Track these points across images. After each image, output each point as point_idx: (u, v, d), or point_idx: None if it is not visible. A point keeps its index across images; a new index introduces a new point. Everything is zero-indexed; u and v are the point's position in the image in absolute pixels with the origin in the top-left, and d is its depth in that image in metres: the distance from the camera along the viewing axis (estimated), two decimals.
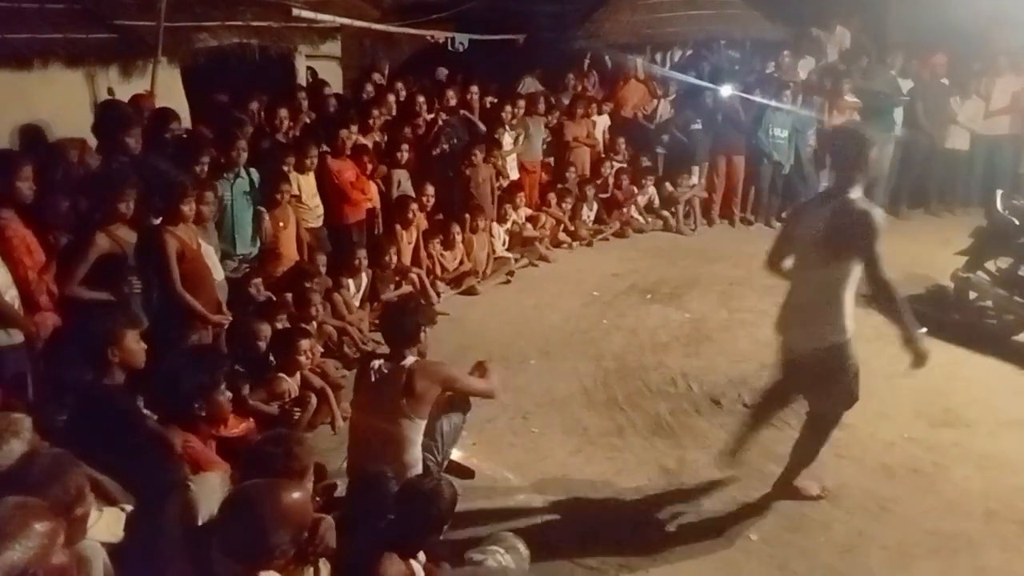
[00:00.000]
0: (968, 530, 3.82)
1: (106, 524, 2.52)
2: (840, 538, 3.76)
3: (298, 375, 4.59)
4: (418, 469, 3.50)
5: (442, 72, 8.96)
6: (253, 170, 5.37)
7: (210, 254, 4.54)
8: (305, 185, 5.91)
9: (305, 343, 4.62)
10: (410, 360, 3.56)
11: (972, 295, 6.12)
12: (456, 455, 4.15)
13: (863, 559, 3.62)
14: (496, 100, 8.32)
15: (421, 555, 2.93)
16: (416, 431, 3.50)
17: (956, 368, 5.48)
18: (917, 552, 3.66)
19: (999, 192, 6.08)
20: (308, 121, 6.65)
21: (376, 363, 3.63)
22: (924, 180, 9.41)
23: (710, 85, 8.93)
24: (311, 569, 2.51)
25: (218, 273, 4.62)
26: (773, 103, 8.64)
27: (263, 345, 4.54)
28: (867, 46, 9.71)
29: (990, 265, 6.06)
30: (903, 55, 9.16)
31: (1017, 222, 5.75)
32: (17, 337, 3.68)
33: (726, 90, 8.75)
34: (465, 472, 4.13)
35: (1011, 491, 4.10)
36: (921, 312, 6.22)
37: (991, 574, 3.53)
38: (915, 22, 10.42)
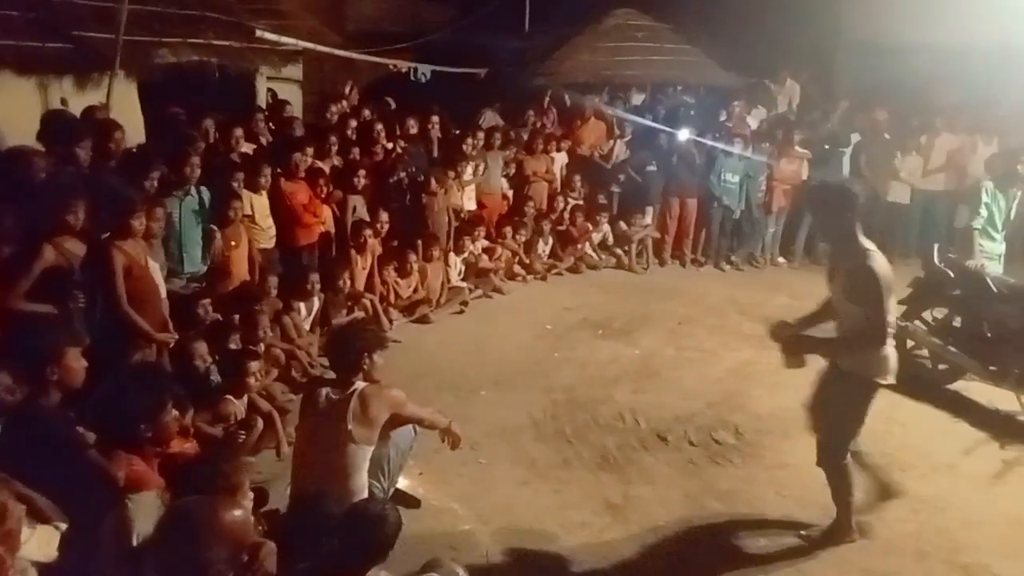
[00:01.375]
0: (901, 570, 3.91)
1: (38, 543, 2.43)
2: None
3: (245, 397, 4.52)
4: (363, 496, 3.46)
5: (390, 102, 8.98)
6: (204, 188, 5.30)
7: (155, 269, 4.46)
8: (258, 205, 5.87)
9: (255, 365, 4.56)
10: (359, 385, 3.54)
11: (909, 343, 6.33)
12: (403, 484, 4.12)
13: None
14: (457, 131, 8.40)
15: None
16: (362, 458, 3.46)
17: (892, 413, 5.62)
18: None
19: (936, 246, 6.32)
20: (264, 142, 6.62)
21: (323, 389, 3.59)
22: (867, 231, 9.69)
23: (665, 128, 9.17)
24: None
25: (161, 289, 4.53)
26: (725, 148, 8.90)
27: (200, 365, 4.45)
28: (815, 98, 10.09)
29: (927, 315, 6.28)
30: (849, 108, 9.53)
31: (952, 274, 5.98)
32: None
33: (681, 134, 9.01)
34: (411, 501, 4.09)
35: (941, 532, 4.21)
36: None
37: None
38: (861, 76, 10.91)
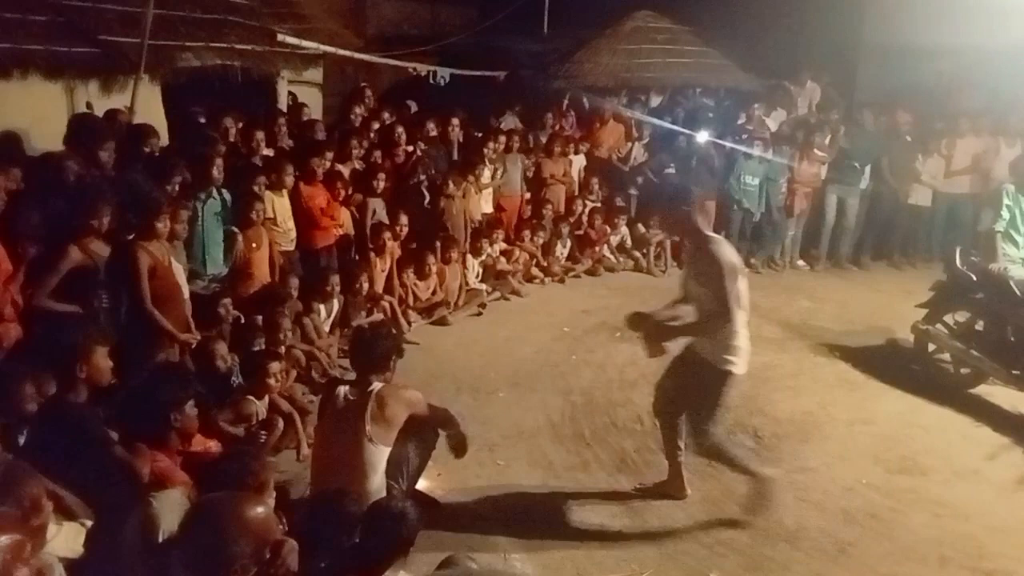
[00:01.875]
0: None
1: (65, 538, 2.48)
2: None
3: (266, 398, 4.56)
4: (382, 495, 3.48)
5: (411, 105, 9.02)
6: (225, 191, 5.37)
7: (179, 270, 4.52)
8: (280, 207, 5.93)
9: (275, 366, 4.60)
10: (377, 386, 3.56)
11: (931, 347, 6.28)
12: (421, 484, 4.14)
13: None
14: (478, 133, 8.42)
15: None
16: (380, 458, 3.49)
17: (914, 417, 5.60)
18: None
19: (958, 249, 6.27)
20: (285, 145, 6.68)
21: (342, 389, 3.63)
22: (888, 233, 9.68)
23: (684, 131, 9.14)
24: None
25: (184, 290, 4.59)
26: (745, 150, 8.86)
27: (221, 364, 4.50)
28: (837, 100, 10.02)
29: (949, 318, 6.22)
30: (871, 111, 9.47)
31: (975, 278, 5.93)
32: None
33: (700, 136, 8.97)
34: (429, 502, 4.11)
35: (964, 538, 4.18)
36: (882, 362, 6.48)
37: None
38: (882, 79, 10.82)
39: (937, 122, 9.45)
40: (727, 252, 3.91)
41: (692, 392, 4.16)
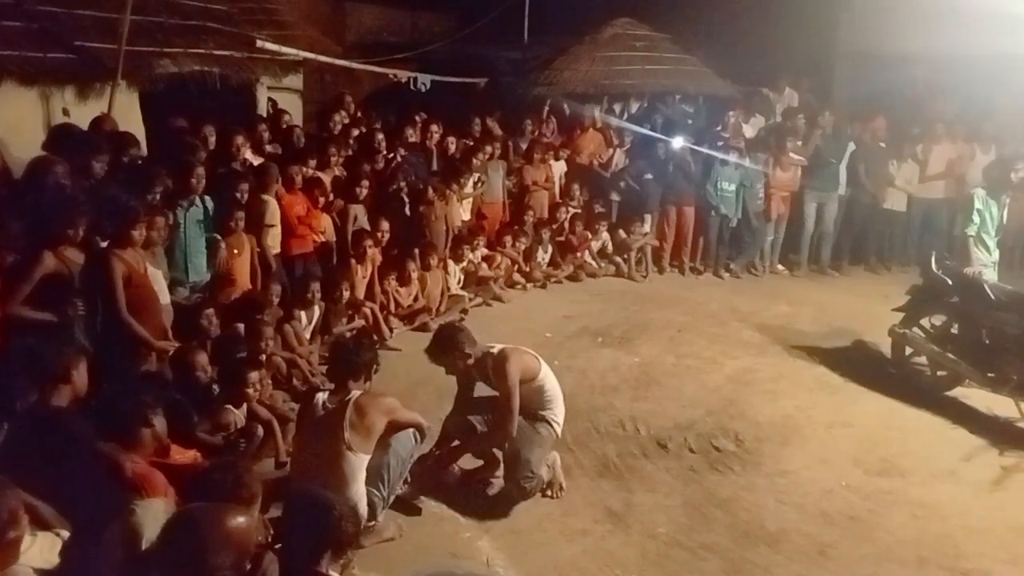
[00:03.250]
0: None
1: (40, 549, 2.44)
2: None
3: (245, 406, 4.52)
4: (362, 504, 3.47)
5: (390, 119, 9.01)
6: (207, 198, 5.34)
7: (157, 278, 4.48)
8: (276, 211, 5.95)
9: (254, 375, 4.55)
10: (355, 394, 3.56)
11: (908, 350, 6.35)
12: (403, 491, 4.12)
13: None
14: (454, 140, 8.43)
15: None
16: (359, 466, 3.48)
17: (891, 419, 5.66)
18: None
19: (933, 253, 6.35)
20: (267, 151, 6.66)
21: (320, 397, 3.62)
22: (864, 238, 9.80)
23: (663, 137, 9.21)
24: None
25: (163, 296, 4.55)
26: (721, 157, 8.94)
27: (202, 376, 4.45)
28: (813, 107, 10.14)
29: (925, 322, 6.30)
30: (846, 117, 9.58)
31: (950, 282, 6.00)
32: None
33: (677, 142, 9.04)
34: (412, 509, 4.10)
35: (942, 538, 4.22)
36: (860, 365, 6.54)
37: None
38: (859, 86, 10.96)
39: (913, 127, 9.58)
40: (513, 360, 4.21)
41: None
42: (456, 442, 4.43)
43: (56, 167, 4.32)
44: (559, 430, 4.41)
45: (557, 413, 4.39)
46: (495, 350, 4.29)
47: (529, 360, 4.32)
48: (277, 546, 2.99)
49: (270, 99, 8.24)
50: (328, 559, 2.80)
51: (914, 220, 9.61)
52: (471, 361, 4.29)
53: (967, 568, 3.99)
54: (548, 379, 4.39)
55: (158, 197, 4.86)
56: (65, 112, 6.02)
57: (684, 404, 5.71)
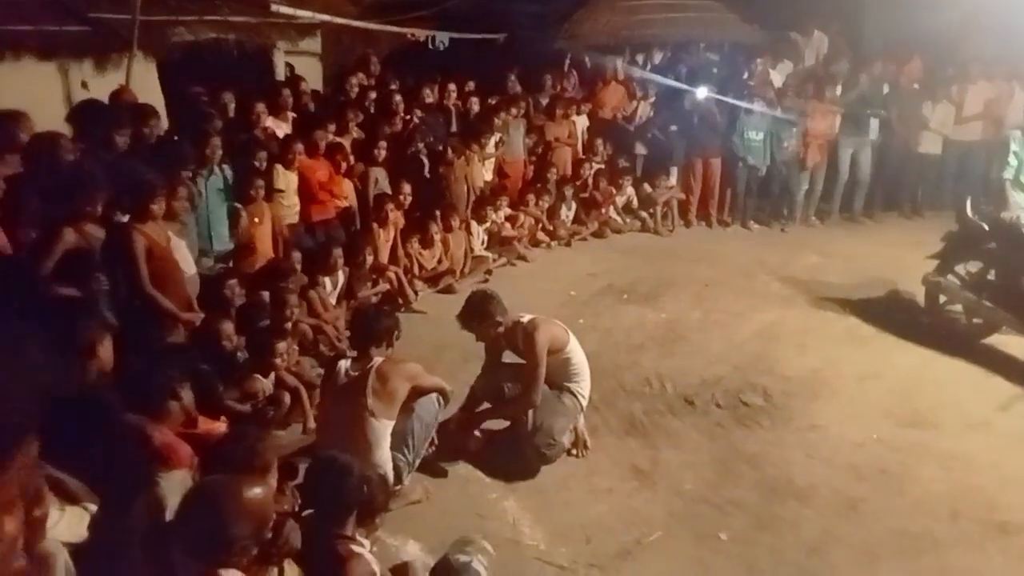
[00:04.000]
0: (934, 530, 3.87)
1: (68, 524, 2.49)
2: (808, 537, 3.80)
3: (272, 374, 4.57)
4: (388, 469, 3.50)
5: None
6: (227, 167, 5.33)
7: (180, 248, 4.50)
8: (290, 180, 5.93)
9: (282, 345, 4.58)
10: (377, 360, 3.57)
11: (942, 299, 6.20)
12: (428, 455, 4.16)
13: (830, 558, 3.66)
14: (478, 98, 8.32)
15: (366, 542, 2.91)
16: (383, 432, 3.50)
17: (924, 370, 5.56)
18: (883, 552, 3.71)
19: (969, 198, 6.16)
20: (290, 118, 6.62)
21: (343, 365, 3.63)
22: (898, 184, 9.54)
23: (688, 87, 8.98)
24: (275, 570, 2.50)
25: (189, 268, 4.57)
26: (747, 106, 8.70)
27: (228, 345, 4.49)
28: (844, 50, 9.81)
29: (960, 269, 6.14)
30: (880, 60, 9.26)
31: (987, 227, 5.83)
32: None
33: (703, 92, 8.81)
34: (438, 472, 4.13)
35: (975, 491, 4.16)
36: (892, 315, 6.42)
37: (954, 573, 3.59)
38: (891, 27, 10.57)
39: (948, 68, 9.24)
40: (542, 330, 4.23)
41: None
42: (484, 406, 4.44)
43: (70, 143, 4.32)
44: (584, 402, 4.41)
45: (583, 386, 4.39)
46: (525, 320, 4.29)
47: (558, 331, 4.33)
48: (305, 513, 3.05)
49: (287, 64, 8.16)
50: (353, 523, 2.83)
51: (949, 164, 9.32)
52: (501, 330, 4.29)
53: (1001, 520, 3.93)
54: (576, 352, 4.39)
55: (179, 170, 4.87)
56: (84, 85, 6.04)
57: (711, 360, 5.65)
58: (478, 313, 4.27)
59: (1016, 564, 3.65)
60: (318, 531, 2.77)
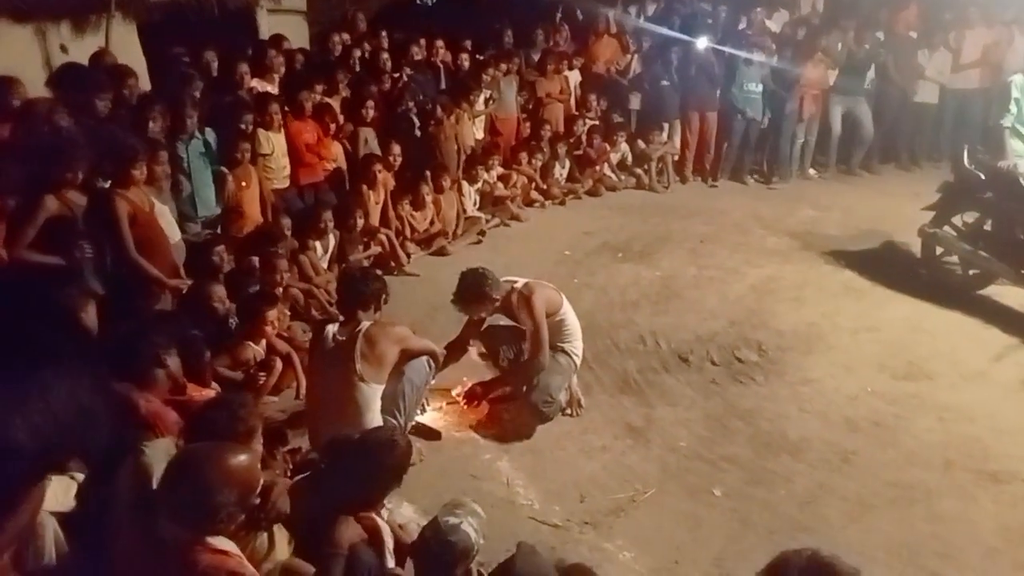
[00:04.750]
0: (927, 480, 3.89)
1: (55, 493, 2.48)
2: (801, 491, 3.81)
3: (264, 340, 4.54)
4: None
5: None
6: (209, 130, 5.24)
7: (165, 214, 4.44)
8: (276, 143, 5.83)
9: (272, 311, 4.54)
10: (365, 324, 3.54)
11: (938, 250, 6.16)
12: (423, 417, 4.15)
13: (823, 511, 3.68)
14: (467, 55, 8.16)
15: (385, 512, 2.94)
16: (372, 396, 3.48)
17: (920, 321, 5.54)
18: (876, 503, 3.73)
19: (966, 147, 6.07)
20: (277, 79, 6.48)
21: (330, 329, 3.60)
22: (894, 134, 9.43)
23: (683, 38, 8.80)
24: (264, 535, 2.49)
25: (174, 234, 4.52)
26: (747, 55, 8.53)
27: (220, 307, 4.46)
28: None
29: (957, 220, 6.08)
30: (874, 6, 9.07)
31: (983, 177, 5.76)
32: None
33: (702, 43, 8.63)
34: (432, 434, 4.13)
35: (970, 441, 4.17)
36: (888, 268, 6.38)
37: (946, 522, 3.60)
38: None
39: (944, 13, 9.04)
40: (537, 294, 4.20)
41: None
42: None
43: (53, 108, 4.25)
44: (578, 362, 4.41)
45: (576, 346, 4.39)
46: (519, 285, 4.25)
47: (552, 294, 4.32)
48: (298, 478, 3.04)
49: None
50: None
51: (946, 113, 9.19)
52: (498, 304, 4.24)
53: (994, 469, 3.95)
54: (569, 314, 4.39)
55: (158, 133, 4.78)
56: (63, 49, 5.91)
57: (706, 316, 5.63)
58: (475, 294, 4.20)
59: (1008, 511, 3.67)
60: (358, 502, 2.77)
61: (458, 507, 2.67)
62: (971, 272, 5.96)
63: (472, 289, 4.20)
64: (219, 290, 4.62)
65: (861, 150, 9.22)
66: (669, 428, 4.33)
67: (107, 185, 4.16)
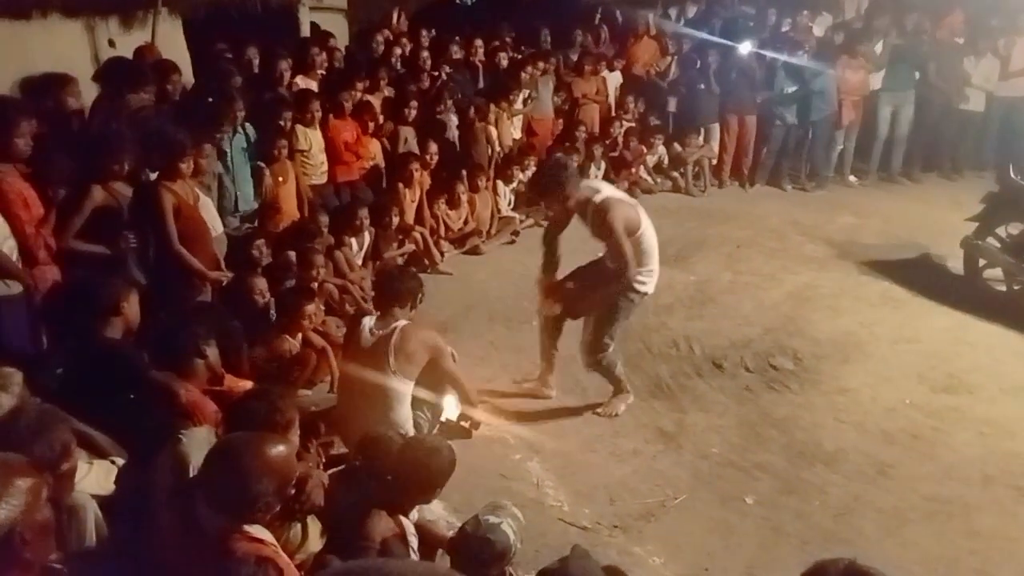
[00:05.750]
0: (964, 495, 3.81)
1: (96, 477, 2.54)
2: (835, 501, 3.76)
3: (300, 334, 4.59)
4: (408, 427, 3.51)
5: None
6: (249, 125, 5.31)
7: (208, 207, 4.50)
8: (314, 140, 5.88)
9: (310, 308, 4.59)
10: (401, 322, 3.57)
11: (981, 262, 6.04)
12: (454, 415, 4.17)
13: (858, 523, 3.63)
14: (505, 54, 8.18)
15: (414, 513, 2.96)
16: (404, 391, 3.52)
17: (961, 333, 5.44)
18: (912, 516, 3.66)
19: (1012, 157, 5.95)
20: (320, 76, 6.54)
21: (367, 322, 3.64)
22: (937, 142, 9.24)
23: (723, 42, 8.72)
24: (298, 526, 2.52)
25: (216, 227, 4.59)
26: (787, 60, 8.42)
27: (260, 300, 4.51)
28: (886, 4, 9.44)
29: (1001, 231, 5.96)
30: (916, 13, 8.90)
31: None
32: (15, 288, 3.68)
33: (741, 47, 8.53)
34: (463, 432, 4.14)
35: (1009, 456, 4.09)
36: (929, 278, 6.27)
37: (984, 538, 3.53)
38: None
39: (992, 19, 8.85)
40: (616, 207, 4.05)
41: (593, 301, 4.33)
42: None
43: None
44: (651, 287, 4.32)
45: (653, 266, 4.28)
46: (597, 199, 4.08)
47: (630, 212, 4.14)
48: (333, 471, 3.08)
49: (312, 22, 8.06)
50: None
51: (992, 121, 8.99)
52: (571, 203, 4.14)
53: None
54: (647, 232, 4.23)
55: (209, 128, 4.86)
56: (111, 43, 6.02)
57: (740, 322, 5.57)
58: (550, 184, 4.10)
59: None
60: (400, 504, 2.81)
61: (499, 508, 2.69)
62: (1014, 286, 5.83)
63: (549, 174, 4.15)
64: (261, 283, 4.68)
65: (898, 151, 9.05)
66: (701, 434, 4.30)
67: (153, 177, 4.23)
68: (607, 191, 4.19)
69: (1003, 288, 5.91)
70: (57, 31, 5.65)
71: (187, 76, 5.94)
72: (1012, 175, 5.77)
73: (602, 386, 4.76)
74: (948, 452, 4.15)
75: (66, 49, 5.66)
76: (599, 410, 4.45)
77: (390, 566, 1.23)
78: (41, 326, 3.79)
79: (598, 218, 4.04)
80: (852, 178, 9.15)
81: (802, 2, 9.63)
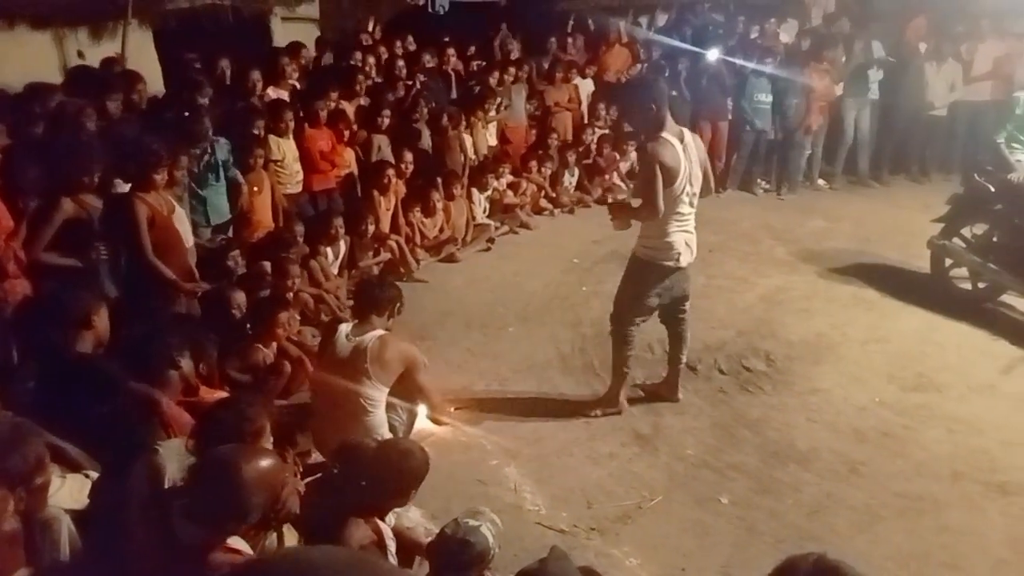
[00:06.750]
0: (935, 491, 3.88)
1: (69, 491, 2.51)
2: (809, 500, 3.81)
3: (274, 344, 4.58)
4: (384, 431, 3.52)
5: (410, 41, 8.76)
6: (221, 139, 5.27)
7: (182, 219, 4.48)
8: (287, 149, 5.87)
9: (283, 315, 4.59)
10: (379, 331, 3.58)
11: (948, 262, 6.15)
12: (427, 422, 4.17)
13: (830, 520, 3.67)
14: (481, 63, 8.23)
15: (390, 517, 2.96)
16: (379, 397, 3.53)
17: (929, 333, 5.53)
18: (884, 513, 3.72)
19: (976, 159, 6.08)
20: (294, 87, 6.54)
21: (343, 329, 3.65)
22: (905, 145, 9.40)
23: (694, 49, 8.83)
24: (274, 535, 2.52)
25: (188, 238, 4.57)
26: (756, 67, 8.55)
27: (237, 313, 4.50)
28: (850, 9, 9.61)
29: (966, 232, 6.07)
30: (877, 22, 9.07)
31: (992, 189, 5.76)
32: None
33: (711, 54, 8.65)
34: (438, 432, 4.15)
35: (978, 453, 4.16)
36: (898, 279, 6.38)
37: (955, 533, 3.59)
38: None
39: (957, 25, 9.04)
40: (666, 154, 3.89)
41: (624, 279, 4.47)
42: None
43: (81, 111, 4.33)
44: (667, 259, 4.19)
45: (672, 238, 4.15)
46: (650, 144, 3.92)
47: (673, 168, 3.91)
48: (307, 480, 3.07)
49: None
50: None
51: (958, 125, 9.15)
52: (648, 126, 3.96)
53: (1002, 481, 3.93)
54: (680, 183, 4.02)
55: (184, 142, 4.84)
56: (80, 55, 5.99)
57: (714, 325, 5.63)
58: (636, 94, 4.01)
59: (1016, 523, 3.66)
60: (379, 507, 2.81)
61: (478, 513, 2.70)
62: (980, 284, 5.95)
63: (639, 84, 4.24)
64: (240, 297, 4.65)
65: (864, 154, 9.20)
66: (676, 436, 4.34)
67: (126, 188, 4.21)
68: (675, 140, 3.95)
69: (968, 287, 6.02)
70: (27, 42, 5.63)
71: (157, 87, 5.93)
72: (976, 177, 5.89)
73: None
74: (918, 450, 4.22)
75: (35, 60, 5.64)
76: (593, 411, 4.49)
77: (312, 554, 1.25)
78: (12, 339, 3.75)
79: (642, 159, 4.02)
80: (821, 182, 9.29)
81: (770, 9, 9.80)
